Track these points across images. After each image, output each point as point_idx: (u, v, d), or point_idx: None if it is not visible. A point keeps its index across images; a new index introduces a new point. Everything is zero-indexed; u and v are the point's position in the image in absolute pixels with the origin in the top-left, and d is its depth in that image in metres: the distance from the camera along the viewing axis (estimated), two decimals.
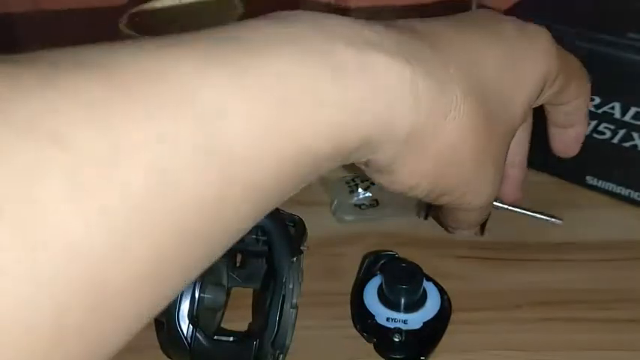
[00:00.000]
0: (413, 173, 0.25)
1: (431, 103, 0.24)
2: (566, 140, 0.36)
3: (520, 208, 0.41)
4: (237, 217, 0.19)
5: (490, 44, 0.28)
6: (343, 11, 0.53)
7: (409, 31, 0.25)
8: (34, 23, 0.56)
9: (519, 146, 0.36)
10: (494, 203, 0.39)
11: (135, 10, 0.49)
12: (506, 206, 0.40)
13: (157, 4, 0.50)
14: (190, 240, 0.18)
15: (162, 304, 0.19)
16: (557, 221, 0.41)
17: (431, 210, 0.39)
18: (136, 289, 0.17)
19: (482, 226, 0.39)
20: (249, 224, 0.21)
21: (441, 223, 0.38)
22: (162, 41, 0.19)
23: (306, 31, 0.21)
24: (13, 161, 0.14)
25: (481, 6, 0.53)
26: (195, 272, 0.19)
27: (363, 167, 0.26)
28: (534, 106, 0.32)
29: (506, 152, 0.29)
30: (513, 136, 0.29)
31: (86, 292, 0.15)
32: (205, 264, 0.20)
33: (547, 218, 0.41)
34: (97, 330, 0.16)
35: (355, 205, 0.44)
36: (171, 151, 0.17)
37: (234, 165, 0.18)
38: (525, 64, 0.29)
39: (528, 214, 0.41)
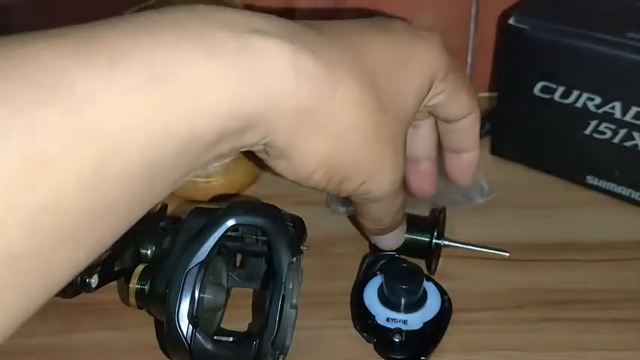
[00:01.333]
0: (309, 157, 0.26)
1: (316, 80, 0.24)
2: (461, 166, 0.37)
3: (469, 245, 0.41)
4: (119, 196, 0.20)
5: (379, 36, 0.29)
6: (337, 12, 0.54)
7: (300, 23, 0.26)
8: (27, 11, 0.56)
9: (425, 141, 0.37)
10: (446, 242, 0.40)
11: (138, 7, 0.49)
12: (455, 244, 0.40)
13: None
14: (69, 216, 0.19)
15: (51, 285, 0.20)
16: (504, 254, 0.41)
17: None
18: (13, 264, 0.18)
19: (434, 265, 0.40)
20: (139, 208, 0.21)
21: (365, 233, 0.37)
22: (50, 33, 0.20)
23: (184, 19, 0.22)
24: None
25: (480, 7, 0.53)
26: (84, 252, 0.20)
27: (264, 157, 0.27)
28: (428, 105, 0.32)
29: (404, 141, 0.29)
30: (408, 127, 0.30)
31: None
32: (94, 245, 0.20)
33: (495, 252, 0.41)
34: None
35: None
36: (44, 136, 0.18)
37: (108, 147, 0.19)
38: (414, 56, 0.29)
39: (477, 250, 0.41)
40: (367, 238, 0.38)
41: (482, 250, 0.41)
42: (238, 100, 0.22)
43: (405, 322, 0.35)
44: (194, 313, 0.31)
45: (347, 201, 0.44)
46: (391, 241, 0.37)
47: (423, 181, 0.38)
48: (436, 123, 0.36)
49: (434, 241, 0.39)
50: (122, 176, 0.20)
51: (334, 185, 0.28)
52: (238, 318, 0.37)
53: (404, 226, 0.37)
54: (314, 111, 0.24)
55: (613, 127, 0.42)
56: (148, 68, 0.20)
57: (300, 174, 0.27)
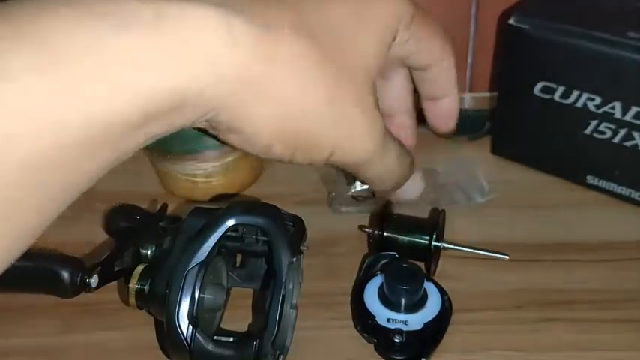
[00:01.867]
0: (260, 129, 0.24)
1: (254, 43, 0.22)
2: (440, 113, 0.34)
3: (469, 248, 0.40)
4: (28, 187, 0.19)
5: None
6: None
7: None
8: None
9: (398, 93, 0.34)
10: (445, 245, 0.40)
11: None
12: (454, 247, 0.40)
13: None
14: None
15: None
16: (504, 257, 0.40)
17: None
18: None
19: (433, 267, 0.39)
20: (68, 192, 0.20)
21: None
22: None
23: None
24: None
25: (480, 7, 0.52)
26: (12, 243, 0.19)
27: (215, 133, 0.25)
28: (397, 55, 0.30)
29: (372, 97, 0.27)
30: (372, 81, 0.27)
31: None
32: (20, 235, 0.20)
33: (495, 255, 0.40)
34: None
35: (352, 197, 0.44)
36: None
37: (1, 136, 0.18)
38: (371, 5, 0.27)
39: (477, 252, 0.40)
40: (367, 236, 0.37)
41: (482, 252, 0.41)
42: (161, 76, 0.20)
43: (405, 322, 0.35)
44: (194, 313, 0.31)
45: (348, 201, 0.44)
46: (408, 192, 0.34)
47: (401, 135, 0.35)
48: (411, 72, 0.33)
49: (433, 243, 0.39)
50: (25, 166, 0.18)
51: (301, 157, 0.26)
52: (238, 318, 0.37)
53: (418, 172, 0.34)
54: (255, 78, 0.22)
55: (613, 127, 0.42)
56: (45, 49, 0.19)
57: (257, 147, 0.25)
